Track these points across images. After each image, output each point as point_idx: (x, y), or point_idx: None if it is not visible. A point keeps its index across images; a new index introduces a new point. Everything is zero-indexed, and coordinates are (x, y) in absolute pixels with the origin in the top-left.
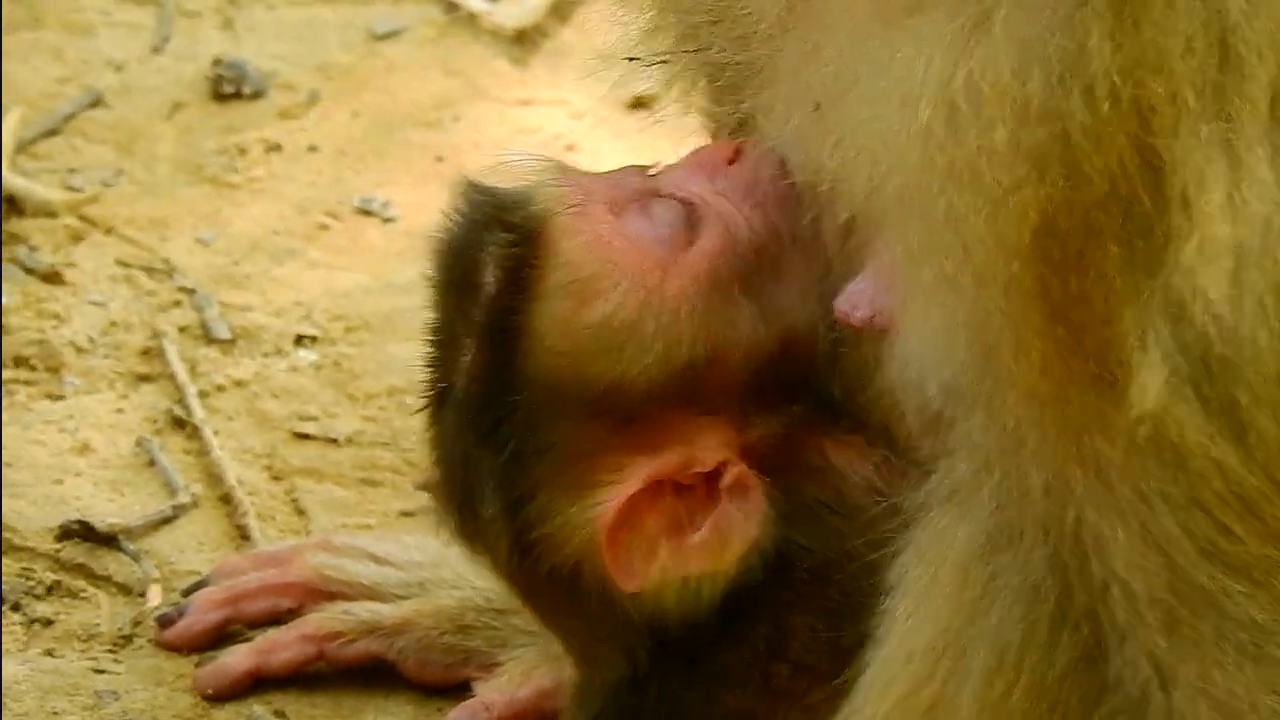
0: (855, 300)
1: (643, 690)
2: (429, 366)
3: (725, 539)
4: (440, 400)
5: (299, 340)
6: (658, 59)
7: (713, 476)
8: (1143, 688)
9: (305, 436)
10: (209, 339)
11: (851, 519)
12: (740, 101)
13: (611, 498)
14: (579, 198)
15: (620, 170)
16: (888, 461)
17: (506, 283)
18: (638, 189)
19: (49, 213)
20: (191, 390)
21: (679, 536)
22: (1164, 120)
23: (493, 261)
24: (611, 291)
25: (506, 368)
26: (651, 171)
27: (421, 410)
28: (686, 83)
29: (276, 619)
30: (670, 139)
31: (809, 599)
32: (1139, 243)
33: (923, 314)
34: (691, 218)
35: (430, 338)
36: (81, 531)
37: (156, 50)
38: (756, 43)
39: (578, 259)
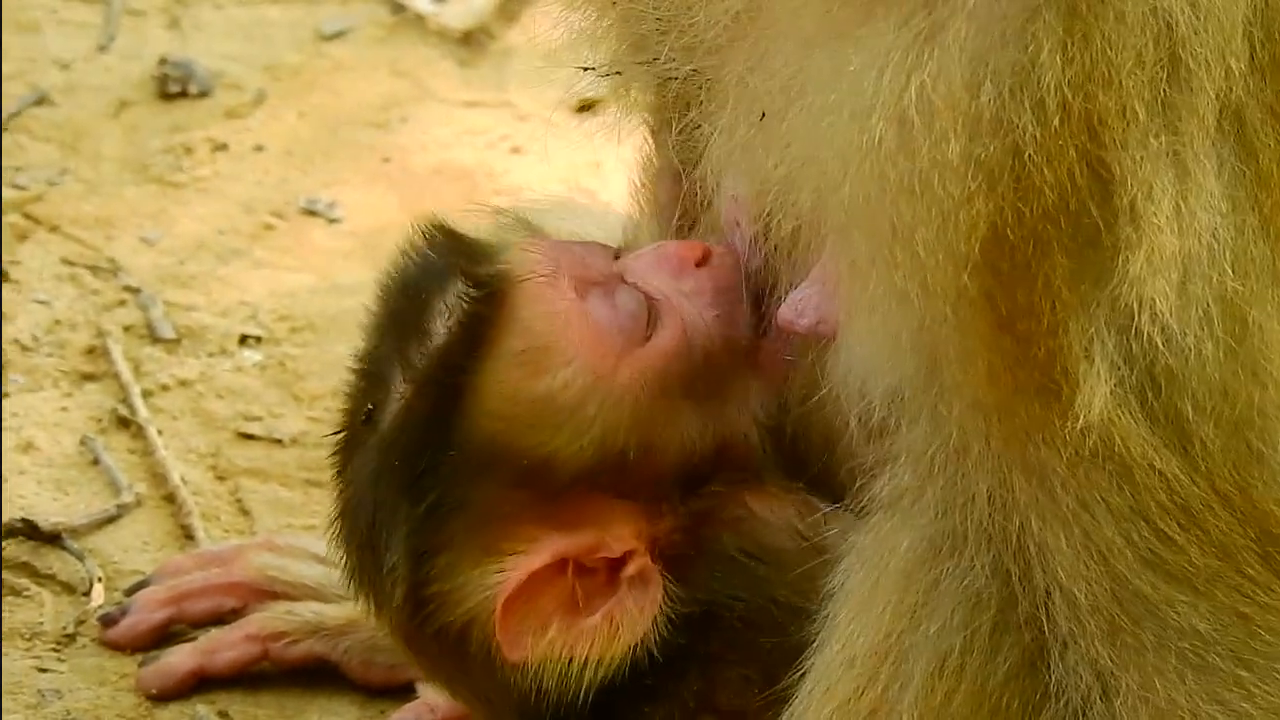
0: (799, 308)
1: None
2: (351, 398)
3: (616, 628)
4: (358, 436)
5: (244, 340)
6: (609, 71)
7: (617, 564)
8: (1084, 695)
9: (250, 437)
10: (154, 338)
11: (776, 565)
12: (687, 111)
13: (516, 567)
14: (549, 267)
15: (589, 246)
16: (807, 502)
17: (461, 337)
18: (605, 272)
19: None
20: (136, 390)
21: (572, 617)
22: (1114, 133)
23: (450, 311)
24: (563, 369)
25: (442, 422)
26: (619, 253)
27: (335, 439)
28: (634, 89)
29: (220, 619)
30: (616, 143)
31: (739, 648)
32: (1088, 254)
33: (868, 322)
34: (653, 313)
35: (360, 369)
36: (25, 530)
37: (103, 49)
38: (704, 52)
39: (537, 329)
